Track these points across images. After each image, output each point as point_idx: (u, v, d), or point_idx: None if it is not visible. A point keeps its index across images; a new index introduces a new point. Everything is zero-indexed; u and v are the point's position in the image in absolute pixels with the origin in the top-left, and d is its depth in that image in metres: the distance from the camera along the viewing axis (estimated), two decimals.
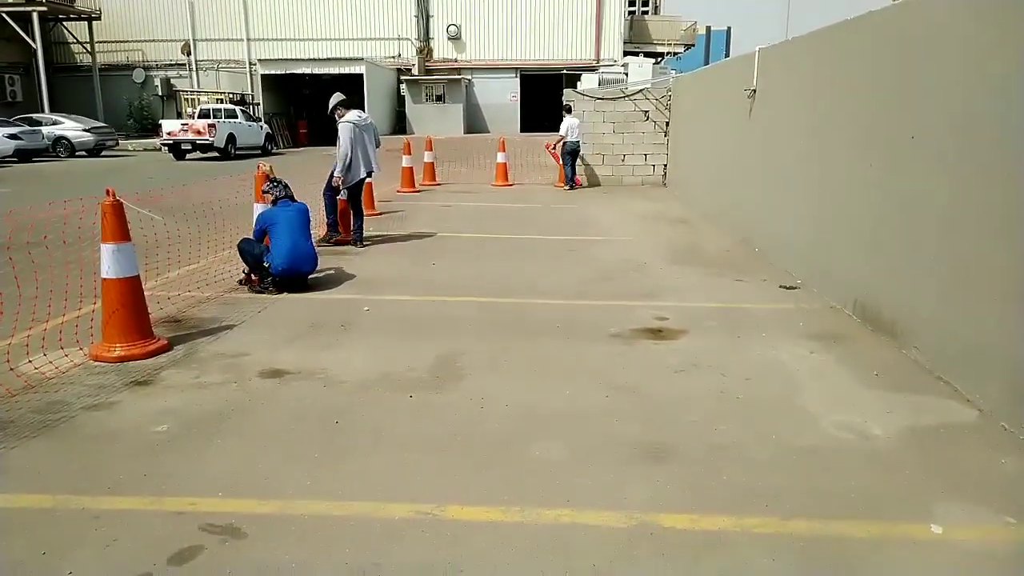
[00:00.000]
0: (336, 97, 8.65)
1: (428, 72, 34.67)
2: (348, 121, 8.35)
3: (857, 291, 5.55)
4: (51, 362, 4.50)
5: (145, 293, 4.97)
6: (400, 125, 33.99)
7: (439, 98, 33.86)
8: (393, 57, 35.28)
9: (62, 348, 4.68)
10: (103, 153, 25.75)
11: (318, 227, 8.84)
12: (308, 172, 9.01)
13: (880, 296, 5.20)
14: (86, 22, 33.39)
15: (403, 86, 34.03)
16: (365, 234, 8.81)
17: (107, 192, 4.72)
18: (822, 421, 3.81)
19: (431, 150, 15.68)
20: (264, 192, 6.63)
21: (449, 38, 35.22)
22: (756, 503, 3.02)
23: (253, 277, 6.46)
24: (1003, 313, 3.77)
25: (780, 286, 6.61)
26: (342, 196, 8.65)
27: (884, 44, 5.27)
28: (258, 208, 6.78)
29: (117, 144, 27.41)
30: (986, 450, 3.49)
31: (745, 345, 5.02)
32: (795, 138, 7.05)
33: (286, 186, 6.61)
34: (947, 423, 3.79)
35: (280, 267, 6.24)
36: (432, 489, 3.12)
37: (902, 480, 3.22)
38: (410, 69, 34.70)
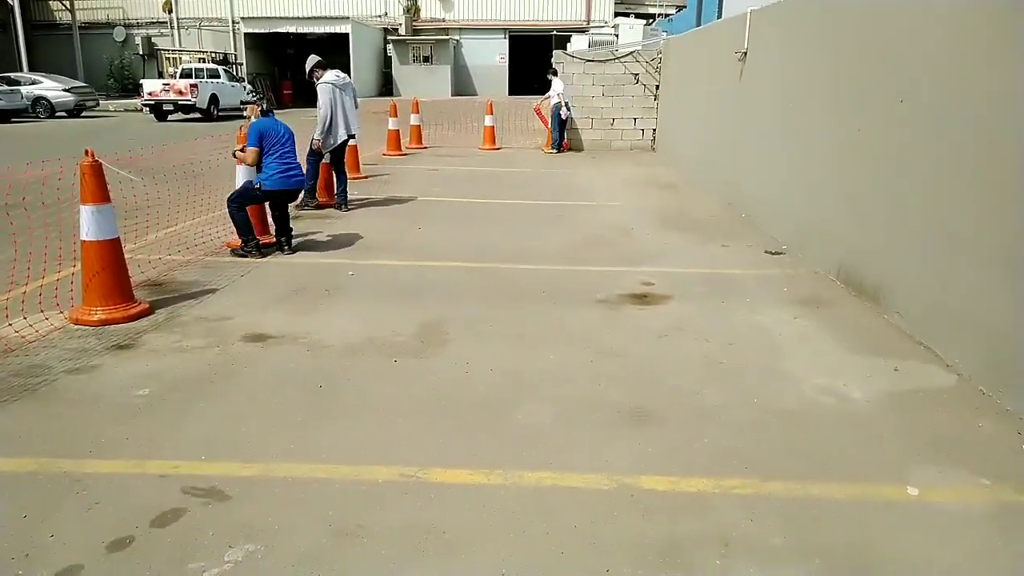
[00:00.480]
0: (312, 59, 8.47)
1: (415, 32, 34.11)
2: (326, 82, 8.19)
3: (841, 257, 5.57)
4: (31, 325, 4.45)
5: (126, 256, 4.91)
6: (386, 87, 33.53)
7: (426, 59, 33.35)
8: (380, 16, 34.64)
9: (42, 311, 4.63)
10: (83, 114, 25.26)
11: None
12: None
13: (864, 262, 5.22)
14: None
15: (390, 46, 33.46)
16: (349, 198, 8.71)
17: (86, 152, 4.63)
18: (803, 385, 3.84)
19: (417, 112, 15.48)
20: (250, 102, 6.55)
21: None
22: (736, 465, 3.06)
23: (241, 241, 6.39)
24: (984, 280, 3.80)
25: (765, 251, 6.62)
26: (325, 160, 8.53)
27: (875, 3, 5.21)
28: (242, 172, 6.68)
29: (98, 104, 26.89)
30: (964, 414, 3.53)
31: (729, 310, 5.04)
32: (784, 102, 7.00)
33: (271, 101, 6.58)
34: (926, 387, 3.83)
35: (275, 184, 6.20)
36: (416, 452, 3.14)
37: (880, 443, 3.26)
38: (397, 29, 34.11)
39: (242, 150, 6.33)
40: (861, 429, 3.39)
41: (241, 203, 6.23)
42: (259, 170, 6.26)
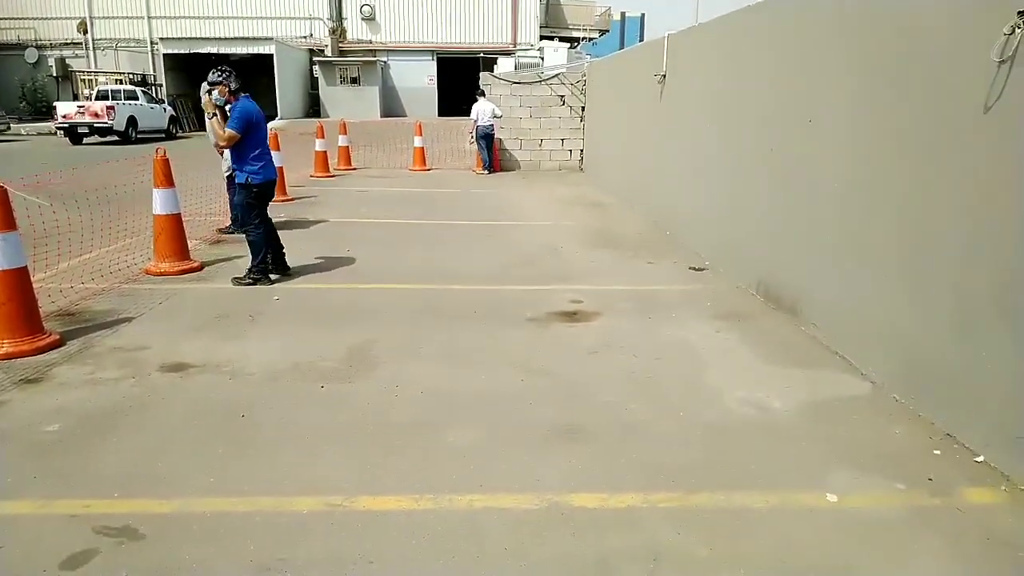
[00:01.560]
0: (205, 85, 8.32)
1: (342, 53, 33.82)
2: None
3: (760, 272, 5.75)
4: None
5: (35, 285, 4.68)
6: (314, 108, 33.10)
7: (354, 80, 33.08)
8: (305, 37, 34.24)
9: None
10: None
11: (222, 216, 8.57)
12: (215, 158, 8.65)
13: (781, 276, 5.40)
14: None
15: (316, 68, 33.11)
16: (275, 220, 8.52)
17: None
18: (726, 397, 3.93)
19: (345, 134, 15.36)
20: (218, 82, 5.94)
21: (363, 18, 34.41)
22: (663, 479, 3.10)
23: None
24: (893, 290, 3.97)
25: (689, 268, 6.79)
26: None
27: (783, 30, 5.44)
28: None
29: (8, 128, 25.71)
30: (879, 420, 3.68)
31: (656, 326, 5.13)
32: (702, 122, 7.22)
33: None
34: (842, 396, 3.97)
35: (267, 175, 6.09)
36: (342, 480, 3.07)
37: (800, 451, 3.36)
38: (323, 50, 33.79)
39: (213, 116, 6.07)
40: (781, 438, 3.48)
41: (255, 221, 6.06)
42: (236, 160, 5.99)
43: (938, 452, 3.35)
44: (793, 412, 3.76)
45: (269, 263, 6.25)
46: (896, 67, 3.98)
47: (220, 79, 6.01)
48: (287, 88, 30.10)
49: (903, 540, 2.72)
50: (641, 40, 19.19)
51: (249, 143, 5.96)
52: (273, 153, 7.28)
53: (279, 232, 6.53)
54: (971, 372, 3.36)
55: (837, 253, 4.58)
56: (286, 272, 6.40)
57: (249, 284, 6.06)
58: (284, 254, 6.45)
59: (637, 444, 3.41)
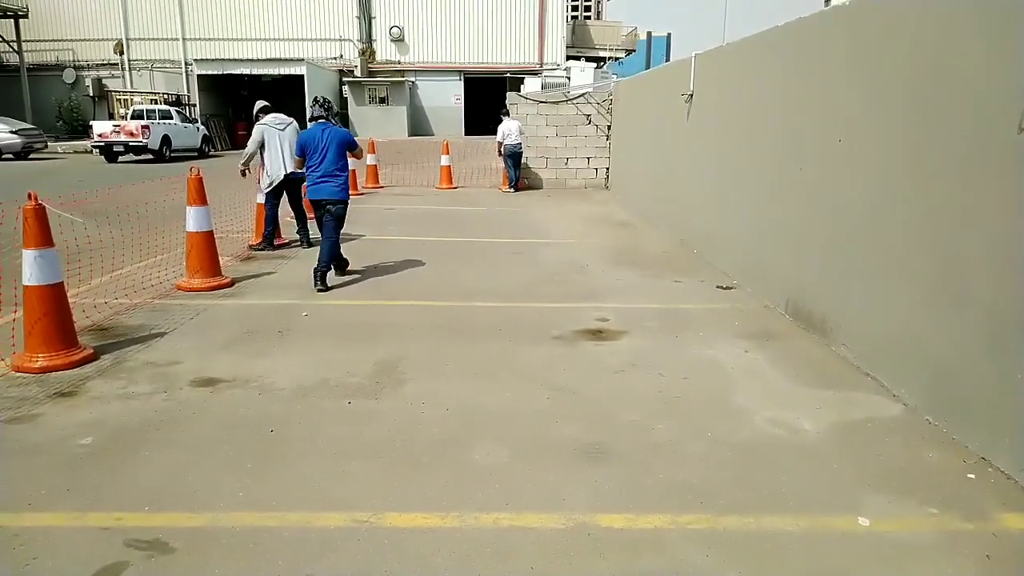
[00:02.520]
0: (258, 104, 8.85)
1: (371, 74, 34.32)
2: (262, 123, 8.42)
3: (789, 291, 5.70)
4: None
5: (70, 300, 4.78)
6: (343, 127, 33.55)
7: (382, 100, 33.53)
8: (335, 58, 34.81)
9: None
10: (31, 156, 24.71)
11: (255, 232, 8.70)
12: (244, 177, 8.80)
13: (811, 296, 5.35)
14: (12, 20, 32.00)
15: (346, 88, 33.62)
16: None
17: (29, 196, 4.53)
18: (755, 418, 3.89)
19: (374, 152, 15.52)
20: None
21: (392, 40, 34.94)
22: (691, 500, 3.07)
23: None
24: (925, 310, 3.92)
25: (717, 287, 6.74)
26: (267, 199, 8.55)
27: (812, 49, 5.43)
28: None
29: (46, 146, 26.31)
30: (911, 443, 3.61)
31: (682, 345, 5.10)
32: (730, 141, 7.21)
33: (327, 106, 7.00)
34: (874, 417, 3.91)
35: (309, 194, 6.86)
36: (369, 496, 3.08)
37: (831, 474, 3.31)
38: (352, 71, 34.30)
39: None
40: (812, 461, 3.43)
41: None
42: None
43: (972, 476, 3.28)
44: (824, 434, 3.71)
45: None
46: (928, 86, 3.94)
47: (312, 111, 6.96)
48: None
49: (937, 565, 2.66)
50: (667, 60, 19.24)
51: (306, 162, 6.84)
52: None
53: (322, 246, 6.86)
54: (1005, 394, 3.30)
55: (867, 273, 4.53)
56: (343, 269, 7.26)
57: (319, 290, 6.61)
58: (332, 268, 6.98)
59: (664, 464, 3.38)
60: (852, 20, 4.85)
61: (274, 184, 8.32)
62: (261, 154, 8.32)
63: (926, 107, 3.96)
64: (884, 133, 4.37)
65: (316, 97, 7.08)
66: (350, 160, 7.16)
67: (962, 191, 3.63)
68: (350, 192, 7.12)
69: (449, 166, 15.43)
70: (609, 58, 38.54)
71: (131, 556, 2.65)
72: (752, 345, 5.07)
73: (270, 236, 8.48)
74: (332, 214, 6.75)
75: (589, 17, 43.01)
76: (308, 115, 7.17)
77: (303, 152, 6.79)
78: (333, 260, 6.87)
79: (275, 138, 8.31)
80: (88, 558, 2.63)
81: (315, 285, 6.57)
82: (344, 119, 33.78)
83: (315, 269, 6.66)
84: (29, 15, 32.13)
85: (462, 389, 4.30)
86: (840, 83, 4.95)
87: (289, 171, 8.27)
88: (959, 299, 3.63)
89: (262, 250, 8.35)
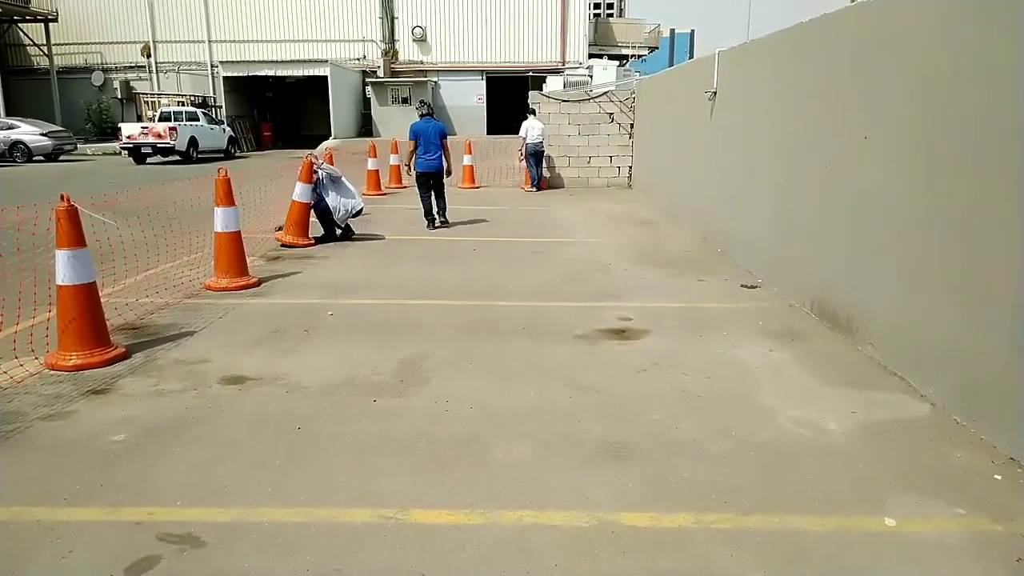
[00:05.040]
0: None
1: (394, 74, 34.49)
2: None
3: (815, 290, 5.66)
4: (5, 372, 4.39)
5: (102, 299, 4.88)
6: (366, 128, 33.75)
7: (405, 100, 33.65)
8: (358, 59, 35.02)
9: (16, 357, 4.57)
10: (61, 158, 25.18)
11: (285, 229, 8.81)
12: (272, 178, 8.93)
13: (837, 294, 5.31)
14: (42, 24, 32.63)
15: (368, 88, 33.81)
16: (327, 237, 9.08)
17: (61, 197, 4.63)
18: (779, 417, 3.88)
19: (397, 153, 15.62)
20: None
21: (414, 40, 35.08)
22: (715, 499, 3.07)
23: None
24: (952, 309, 3.88)
25: (741, 285, 6.71)
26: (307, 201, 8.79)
27: (838, 46, 5.38)
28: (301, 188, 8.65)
29: (75, 148, 26.81)
30: (938, 443, 3.58)
31: (706, 344, 5.09)
32: (754, 139, 7.16)
33: (430, 105, 10.32)
34: (901, 418, 3.88)
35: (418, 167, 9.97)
36: (395, 493, 3.12)
37: (857, 474, 3.30)
38: (375, 71, 34.49)
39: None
40: (837, 461, 3.42)
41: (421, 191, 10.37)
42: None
43: (999, 477, 3.25)
44: (850, 434, 3.69)
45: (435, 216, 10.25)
46: (957, 81, 3.90)
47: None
48: (340, 109, 30.77)
49: (964, 567, 2.64)
50: (691, 57, 19.12)
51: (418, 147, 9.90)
52: None
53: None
54: None
55: (894, 271, 4.49)
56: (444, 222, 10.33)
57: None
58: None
59: (688, 463, 3.39)
60: (880, 15, 4.80)
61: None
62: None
63: (955, 104, 3.91)
64: (911, 130, 4.33)
65: (422, 100, 10.01)
66: (371, 161, 7.36)
67: (991, 189, 3.59)
68: (373, 192, 7.29)
69: (471, 166, 15.48)
70: (632, 56, 38.38)
71: (164, 550, 2.71)
72: (777, 344, 5.05)
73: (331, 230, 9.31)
74: (436, 179, 10.08)
75: (612, 15, 42.84)
76: (418, 112, 10.29)
77: (416, 138, 9.82)
78: (440, 212, 10.32)
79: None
80: (122, 551, 2.70)
81: (429, 225, 10.17)
82: (367, 120, 34.01)
83: (429, 215, 10.18)
84: (59, 19, 32.73)
85: (485, 388, 4.33)
86: (867, 79, 4.91)
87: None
88: (987, 298, 3.59)
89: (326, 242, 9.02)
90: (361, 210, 9.24)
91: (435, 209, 10.20)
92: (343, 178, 9.16)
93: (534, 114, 14.71)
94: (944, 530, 2.89)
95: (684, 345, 5.08)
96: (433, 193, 10.17)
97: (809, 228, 5.78)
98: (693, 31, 53.87)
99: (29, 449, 3.53)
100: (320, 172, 8.93)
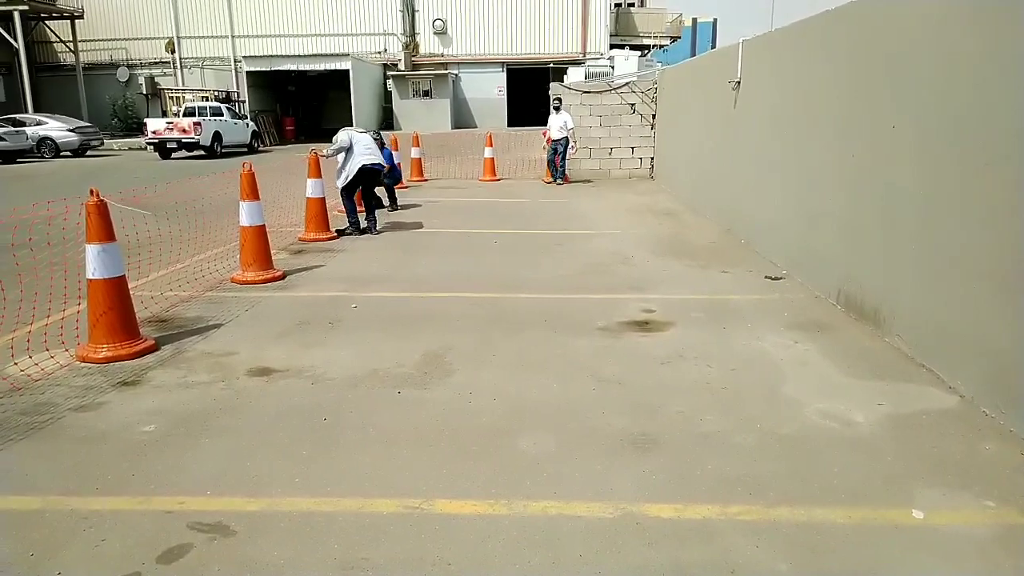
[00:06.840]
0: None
1: (414, 67, 34.56)
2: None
3: (841, 281, 5.60)
4: (37, 364, 4.48)
5: (131, 292, 4.95)
6: (387, 121, 33.89)
7: (426, 93, 33.75)
8: (379, 52, 35.15)
9: (47, 350, 4.66)
10: (88, 153, 25.56)
11: (302, 227, 8.88)
12: (295, 172, 8.99)
13: (863, 285, 5.25)
14: (69, 21, 33.11)
15: (390, 81, 33.91)
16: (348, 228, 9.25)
17: (91, 192, 4.70)
18: (805, 409, 3.85)
19: (418, 146, 15.67)
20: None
21: (435, 32, 35.12)
22: (740, 491, 3.06)
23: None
24: (982, 300, 3.82)
25: (765, 277, 6.66)
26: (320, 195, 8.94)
27: (865, 34, 5.31)
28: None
29: (102, 144, 27.21)
30: (967, 435, 3.54)
31: (730, 336, 5.06)
32: (778, 129, 7.09)
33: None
34: (929, 409, 3.83)
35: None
36: (420, 483, 3.15)
37: (884, 466, 3.27)
38: (396, 64, 34.58)
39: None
40: (864, 453, 3.39)
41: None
42: None
43: None
44: (877, 426, 3.65)
45: None
46: (988, 69, 3.84)
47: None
48: (362, 102, 30.92)
49: (993, 560, 2.62)
50: (713, 46, 18.94)
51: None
52: None
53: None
54: None
55: (921, 262, 4.43)
56: None
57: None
58: None
59: (713, 455, 3.38)
60: (906, 2, 4.73)
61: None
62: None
63: (983, 93, 3.85)
64: (939, 120, 4.26)
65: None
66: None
67: (1021, 178, 3.53)
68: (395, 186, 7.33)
69: (492, 158, 15.48)
70: (654, 46, 38.09)
71: (194, 538, 2.76)
72: (802, 336, 5.01)
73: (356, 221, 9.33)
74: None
75: (633, 4, 42.46)
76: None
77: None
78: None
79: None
80: (154, 540, 2.75)
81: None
82: (388, 113, 34.14)
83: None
84: (84, 16, 33.16)
85: (509, 379, 4.35)
86: (894, 67, 4.84)
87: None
88: (1016, 288, 3.53)
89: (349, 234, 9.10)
90: (364, 168, 8.90)
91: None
92: (360, 143, 9.00)
93: (558, 109, 14.64)
94: (973, 523, 2.85)
95: (708, 337, 5.05)
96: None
97: (835, 218, 5.72)
98: (716, 20, 53.33)
99: (62, 440, 3.60)
100: (329, 151, 8.99)
